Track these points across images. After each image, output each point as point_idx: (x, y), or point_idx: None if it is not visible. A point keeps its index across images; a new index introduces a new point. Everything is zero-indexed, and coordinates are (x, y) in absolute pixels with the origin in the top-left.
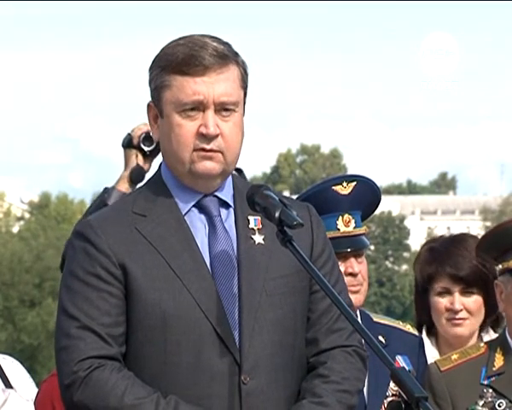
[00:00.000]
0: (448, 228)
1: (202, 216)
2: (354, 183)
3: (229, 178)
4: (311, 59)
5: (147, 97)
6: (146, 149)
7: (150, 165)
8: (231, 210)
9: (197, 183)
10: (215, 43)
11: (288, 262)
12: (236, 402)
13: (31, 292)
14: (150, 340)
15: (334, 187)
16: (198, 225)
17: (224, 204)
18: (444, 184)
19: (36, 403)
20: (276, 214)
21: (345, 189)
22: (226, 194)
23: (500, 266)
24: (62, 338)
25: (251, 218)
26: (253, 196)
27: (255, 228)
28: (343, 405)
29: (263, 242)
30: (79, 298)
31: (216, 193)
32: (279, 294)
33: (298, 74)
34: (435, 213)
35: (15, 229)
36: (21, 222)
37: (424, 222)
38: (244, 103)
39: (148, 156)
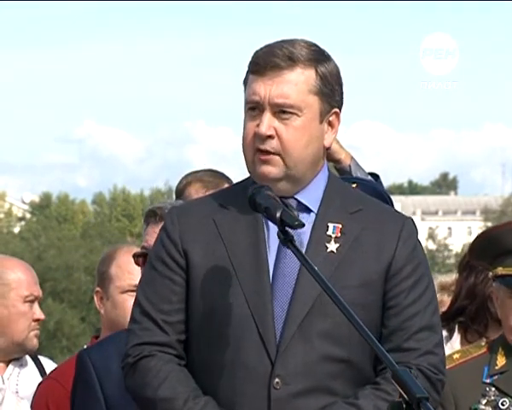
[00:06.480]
0: (449, 228)
1: None
2: (354, 185)
3: (322, 180)
4: None
5: (151, 97)
6: None
7: None
8: (312, 215)
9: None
10: (291, 47)
11: (356, 275)
12: (265, 406)
13: None
14: (199, 331)
15: None
16: (271, 227)
17: (306, 208)
18: (445, 185)
19: (32, 405)
20: (277, 214)
21: None
22: (309, 197)
23: (491, 273)
24: (130, 321)
25: (330, 225)
26: (255, 196)
27: (332, 235)
28: None
29: (335, 250)
30: (147, 283)
31: (296, 196)
32: (332, 304)
33: None
34: (436, 214)
35: (16, 229)
36: (22, 222)
37: (425, 222)
38: (323, 109)
39: None
